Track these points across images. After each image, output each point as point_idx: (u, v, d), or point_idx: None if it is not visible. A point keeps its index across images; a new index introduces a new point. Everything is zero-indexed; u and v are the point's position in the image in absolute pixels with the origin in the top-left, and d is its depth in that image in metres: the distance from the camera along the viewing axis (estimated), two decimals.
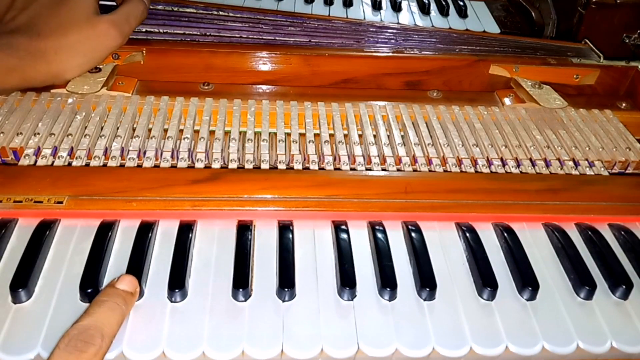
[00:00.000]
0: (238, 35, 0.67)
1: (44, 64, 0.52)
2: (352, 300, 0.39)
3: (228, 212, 0.44)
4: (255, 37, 0.67)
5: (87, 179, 0.45)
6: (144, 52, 0.61)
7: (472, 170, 0.51)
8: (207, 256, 0.41)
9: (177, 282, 0.38)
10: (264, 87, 0.61)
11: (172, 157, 0.49)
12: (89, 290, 0.37)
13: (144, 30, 0.65)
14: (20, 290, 0.37)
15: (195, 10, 0.70)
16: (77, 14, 0.54)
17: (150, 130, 0.52)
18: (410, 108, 0.58)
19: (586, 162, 0.53)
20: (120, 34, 0.56)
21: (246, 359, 0.36)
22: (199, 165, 0.48)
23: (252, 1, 0.75)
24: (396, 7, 0.79)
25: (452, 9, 0.80)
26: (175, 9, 0.69)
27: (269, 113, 0.55)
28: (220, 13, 0.70)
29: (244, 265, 0.40)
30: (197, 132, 0.52)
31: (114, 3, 0.62)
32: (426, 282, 0.40)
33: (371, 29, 0.70)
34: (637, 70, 0.66)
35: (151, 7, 0.67)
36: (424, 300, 0.40)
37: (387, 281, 0.40)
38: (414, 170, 0.50)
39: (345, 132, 0.54)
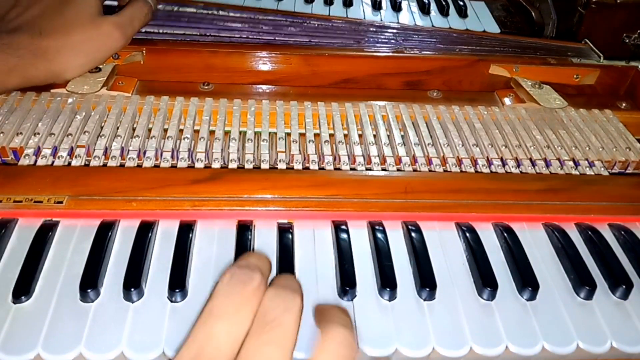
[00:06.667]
0: (238, 36, 0.67)
1: (45, 63, 0.52)
2: (351, 300, 0.39)
3: (228, 212, 0.44)
4: (255, 37, 0.67)
5: (87, 179, 0.45)
6: (144, 52, 0.61)
7: (472, 170, 0.51)
8: (207, 256, 0.41)
9: (178, 282, 0.38)
10: (264, 87, 0.61)
11: (172, 157, 0.49)
12: (89, 290, 0.37)
13: (142, 30, 0.65)
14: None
15: (195, 10, 0.69)
16: (81, 14, 0.54)
17: (150, 130, 0.52)
18: (410, 108, 0.58)
19: (586, 162, 0.53)
20: (123, 36, 0.56)
21: None
22: (199, 165, 0.48)
23: (252, 0, 0.75)
24: (396, 7, 0.79)
25: (452, 9, 0.80)
26: (175, 8, 0.69)
27: (269, 113, 0.55)
28: (220, 13, 0.69)
29: None
30: (197, 132, 0.52)
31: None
32: (426, 282, 0.40)
33: (372, 29, 0.70)
34: (637, 70, 0.66)
35: None
36: (424, 300, 0.40)
37: (387, 281, 0.40)
38: (414, 170, 0.50)
39: (345, 132, 0.54)
